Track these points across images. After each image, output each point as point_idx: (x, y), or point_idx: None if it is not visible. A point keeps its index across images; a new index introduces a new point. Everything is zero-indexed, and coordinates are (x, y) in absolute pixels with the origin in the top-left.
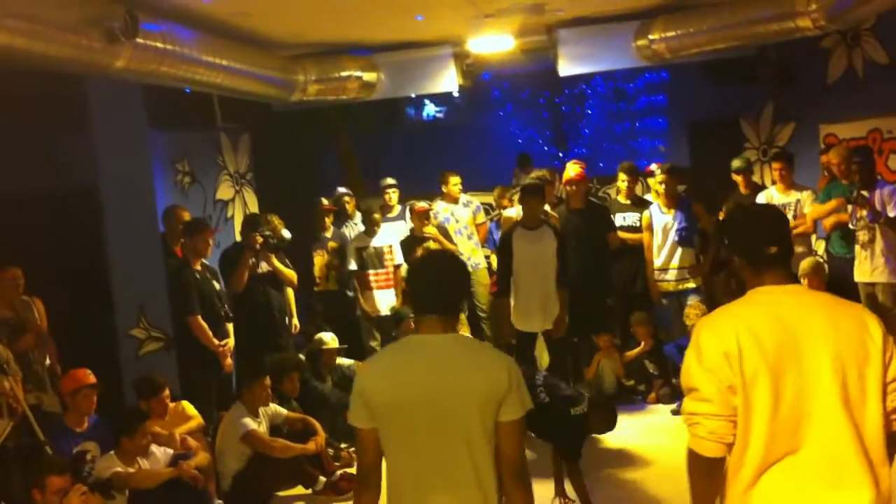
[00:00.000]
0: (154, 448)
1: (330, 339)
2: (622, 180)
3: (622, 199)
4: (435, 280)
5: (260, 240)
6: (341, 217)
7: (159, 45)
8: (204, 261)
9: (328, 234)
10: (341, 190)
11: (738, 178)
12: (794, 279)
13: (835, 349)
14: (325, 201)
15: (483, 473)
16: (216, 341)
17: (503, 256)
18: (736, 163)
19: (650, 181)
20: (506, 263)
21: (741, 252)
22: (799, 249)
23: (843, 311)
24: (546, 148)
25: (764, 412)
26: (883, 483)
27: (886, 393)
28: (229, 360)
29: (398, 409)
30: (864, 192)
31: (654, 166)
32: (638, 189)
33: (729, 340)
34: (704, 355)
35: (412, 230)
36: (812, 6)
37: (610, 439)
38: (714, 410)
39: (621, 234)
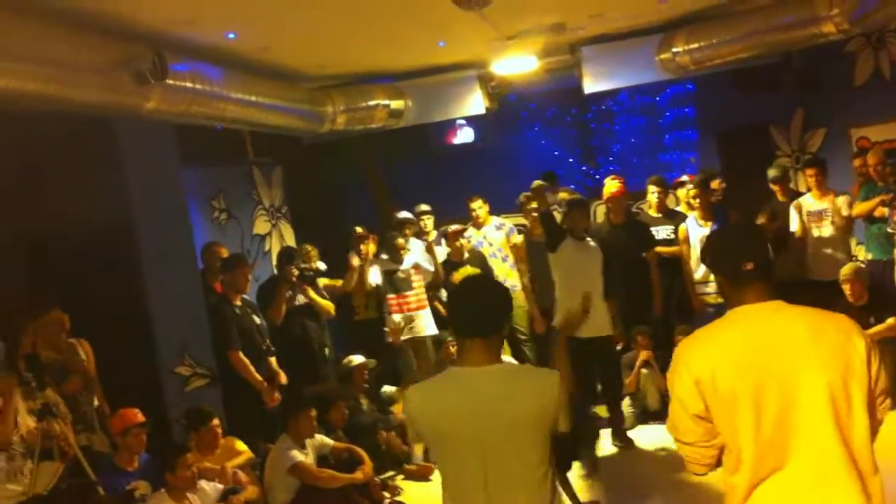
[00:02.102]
0: (203, 483)
1: (357, 358)
2: (652, 192)
3: (654, 212)
4: (477, 303)
5: (296, 272)
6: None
7: (188, 84)
8: (244, 296)
9: (366, 264)
10: (423, 208)
11: (775, 188)
12: (775, 295)
13: (818, 363)
14: (358, 229)
15: (540, 496)
16: (258, 376)
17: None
18: (772, 172)
19: (679, 193)
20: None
21: (720, 270)
22: (839, 255)
23: (826, 325)
24: (576, 166)
25: (748, 431)
26: (875, 494)
27: (874, 405)
28: (276, 395)
29: (444, 442)
30: None
31: (684, 177)
32: (670, 202)
33: (701, 367)
34: (676, 384)
35: (448, 255)
36: (834, 10)
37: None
38: (685, 439)
39: (658, 248)
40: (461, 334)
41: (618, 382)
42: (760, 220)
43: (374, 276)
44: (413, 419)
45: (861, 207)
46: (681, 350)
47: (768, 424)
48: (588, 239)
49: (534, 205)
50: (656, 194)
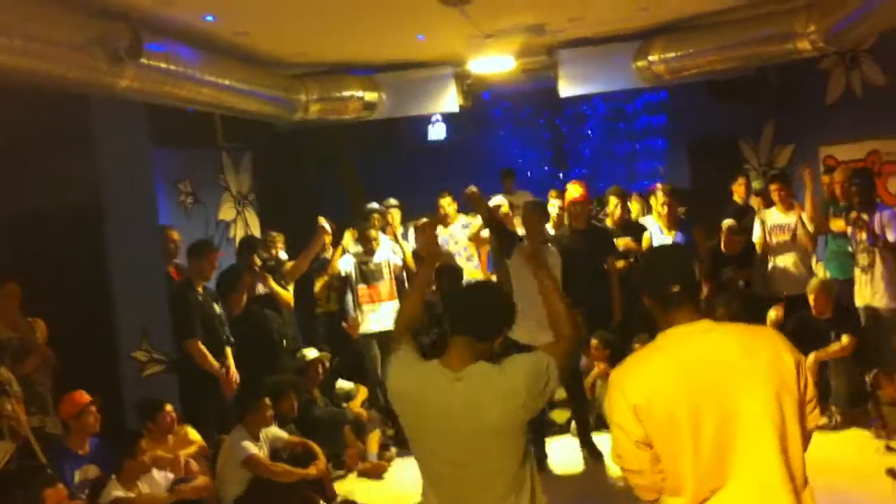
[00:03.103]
0: (154, 472)
1: (311, 352)
2: (614, 205)
3: (612, 225)
4: (479, 305)
5: (259, 262)
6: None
7: (163, 65)
8: (205, 283)
9: (327, 254)
10: (392, 201)
11: (757, 199)
12: (702, 315)
13: (753, 381)
14: (323, 223)
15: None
16: (217, 364)
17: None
18: (757, 184)
19: (652, 201)
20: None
21: (648, 293)
22: (801, 270)
23: (757, 342)
24: (545, 168)
25: (687, 454)
26: (801, 495)
27: (804, 415)
28: (233, 385)
29: (417, 432)
30: (864, 216)
31: (659, 185)
32: (636, 209)
33: (636, 394)
34: (615, 412)
35: (415, 250)
36: (811, 28)
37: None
38: (632, 467)
39: (617, 264)
40: (453, 331)
41: (582, 392)
42: (727, 226)
43: (345, 265)
44: (393, 400)
45: (833, 224)
46: (615, 377)
47: (707, 445)
48: (548, 244)
49: (504, 209)
50: (618, 206)
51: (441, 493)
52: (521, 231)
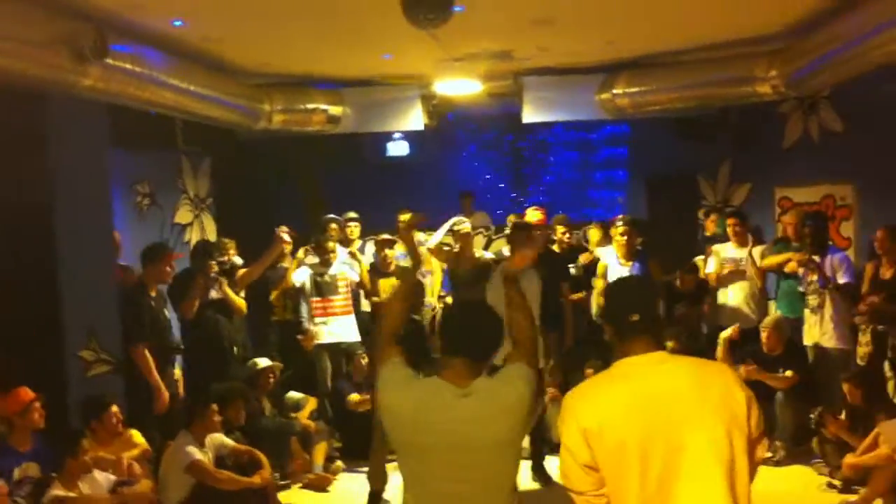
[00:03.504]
0: (96, 473)
1: (262, 361)
2: (562, 232)
3: (558, 249)
4: (473, 326)
5: (216, 268)
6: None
7: (128, 66)
8: (159, 287)
9: (285, 264)
10: (351, 215)
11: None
12: (660, 347)
13: (702, 413)
14: (282, 230)
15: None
16: (157, 377)
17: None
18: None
19: (612, 231)
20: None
21: (608, 321)
22: (751, 304)
23: (709, 376)
24: (506, 192)
25: (634, 482)
26: None
27: (753, 451)
28: (166, 396)
29: (412, 448)
30: (815, 257)
31: (619, 216)
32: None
33: (588, 418)
34: (564, 434)
35: (372, 264)
36: (772, 73)
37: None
38: (576, 488)
39: (573, 297)
40: (448, 352)
41: (542, 418)
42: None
43: (300, 276)
44: (384, 416)
45: (770, 260)
46: (569, 401)
47: (654, 474)
48: (530, 268)
49: (465, 229)
50: (566, 233)
51: None
52: (505, 251)
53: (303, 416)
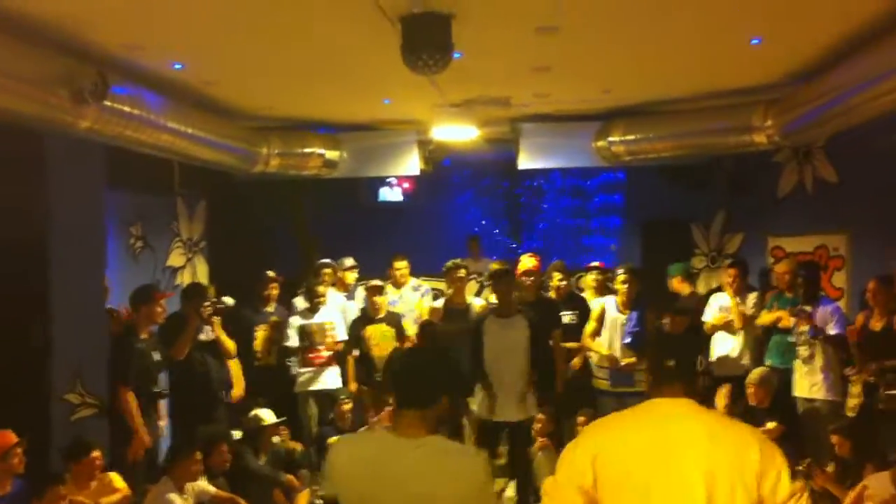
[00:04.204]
0: None
1: (266, 415)
2: (559, 279)
3: (554, 296)
4: (416, 375)
5: (210, 310)
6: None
7: (126, 108)
8: (151, 329)
9: (270, 309)
10: (349, 263)
11: (684, 283)
12: (692, 395)
13: (707, 463)
14: (270, 274)
15: None
16: (140, 422)
17: (474, 345)
18: (676, 268)
19: (586, 278)
20: (477, 352)
21: (648, 365)
22: (745, 354)
23: (727, 433)
24: (501, 238)
25: None
26: None
27: None
28: (147, 442)
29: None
30: (807, 308)
31: (594, 263)
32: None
33: (601, 444)
34: (575, 453)
35: (363, 310)
36: (768, 122)
37: None
38: (557, 497)
39: (565, 345)
40: (398, 405)
41: (530, 463)
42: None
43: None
44: (333, 473)
45: (763, 318)
46: (589, 427)
47: None
48: (518, 314)
49: (461, 273)
50: (563, 280)
51: None
52: (493, 298)
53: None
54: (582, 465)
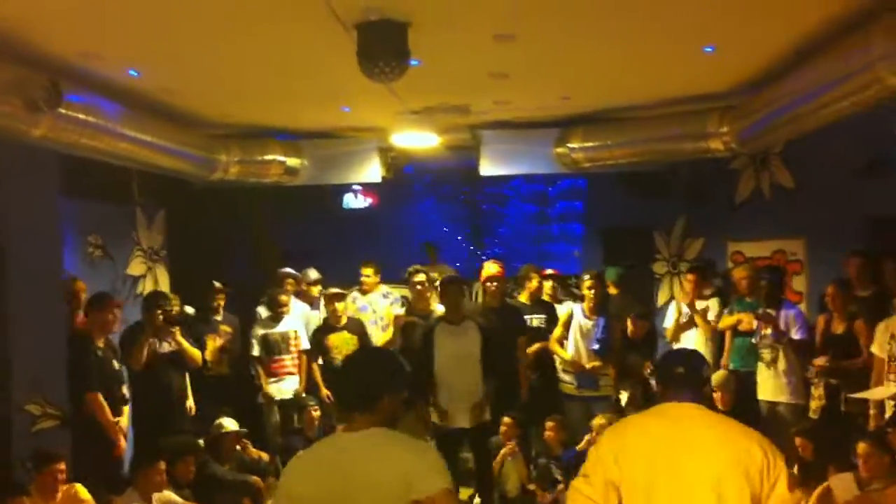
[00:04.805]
0: None
1: (229, 423)
2: (535, 280)
3: (525, 299)
4: (352, 379)
5: (161, 316)
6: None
7: (81, 116)
8: (110, 337)
9: (219, 318)
10: (313, 276)
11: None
12: (698, 400)
13: (715, 463)
14: (217, 284)
15: None
16: (112, 421)
17: (423, 353)
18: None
19: (545, 284)
20: (427, 360)
21: (658, 375)
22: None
23: (731, 432)
24: (463, 244)
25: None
26: None
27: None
28: (123, 442)
29: None
30: (771, 311)
31: (549, 270)
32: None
33: (620, 442)
34: (600, 451)
35: (325, 319)
36: (723, 129)
37: None
38: (592, 494)
39: (529, 350)
40: (343, 409)
41: (490, 470)
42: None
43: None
44: (282, 484)
45: (724, 322)
46: (609, 430)
47: (664, 498)
48: (468, 321)
49: (420, 278)
50: (538, 282)
51: None
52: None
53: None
54: (609, 461)
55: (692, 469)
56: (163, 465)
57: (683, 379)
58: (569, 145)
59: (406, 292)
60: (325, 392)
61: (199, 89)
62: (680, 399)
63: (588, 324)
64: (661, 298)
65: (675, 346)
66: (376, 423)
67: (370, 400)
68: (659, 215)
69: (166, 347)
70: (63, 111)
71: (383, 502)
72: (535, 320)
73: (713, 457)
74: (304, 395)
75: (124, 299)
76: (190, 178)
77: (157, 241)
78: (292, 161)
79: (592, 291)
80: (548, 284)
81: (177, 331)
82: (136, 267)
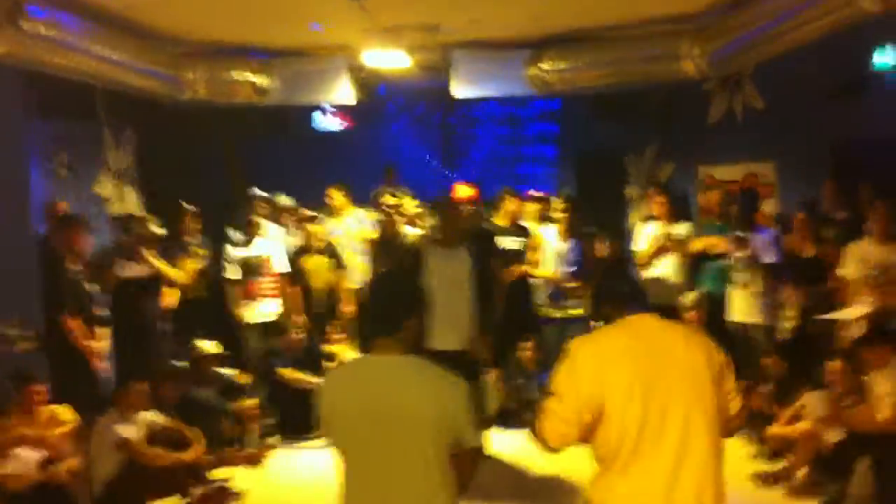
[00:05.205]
0: (21, 451)
1: (208, 345)
2: (511, 202)
3: (502, 222)
4: (379, 302)
5: (126, 238)
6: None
7: (43, 31)
8: (81, 258)
9: (194, 241)
10: (285, 202)
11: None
12: (650, 311)
13: (691, 364)
14: (185, 206)
15: (431, 496)
16: (87, 342)
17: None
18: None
19: (527, 207)
20: None
21: (605, 299)
22: (675, 280)
23: (695, 335)
24: (435, 167)
25: (634, 414)
26: (720, 471)
27: (728, 401)
28: (103, 364)
29: (347, 428)
30: (744, 234)
31: (532, 192)
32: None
33: (599, 355)
34: (576, 366)
35: (302, 245)
36: (695, 51)
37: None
38: (565, 413)
39: (506, 272)
40: (370, 332)
41: (477, 392)
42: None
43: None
44: (321, 404)
45: (697, 244)
46: (580, 341)
47: (654, 410)
48: (459, 245)
49: (387, 200)
50: (515, 204)
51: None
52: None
53: (247, 404)
54: (586, 374)
55: (673, 371)
56: (144, 386)
57: (630, 295)
58: (541, 66)
59: (376, 214)
60: (301, 319)
61: (161, 4)
62: (636, 312)
63: (562, 246)
64: (633, 221)
65: (646, 272)
66: (402, 347)
67: (397, 322)
68: (631, 138)
69: (139, 270)
70: (25, 26)
71: (421, 433)
72: (516, 243)
73: (690, 358)
74: (287, 318)
75: (94, 221)
76: (158, 98)
77: (126, 162)
78: (262, 80)
79: (565, 214)
80: (533, 207)
81: (150, 252)
82: (104, 188)
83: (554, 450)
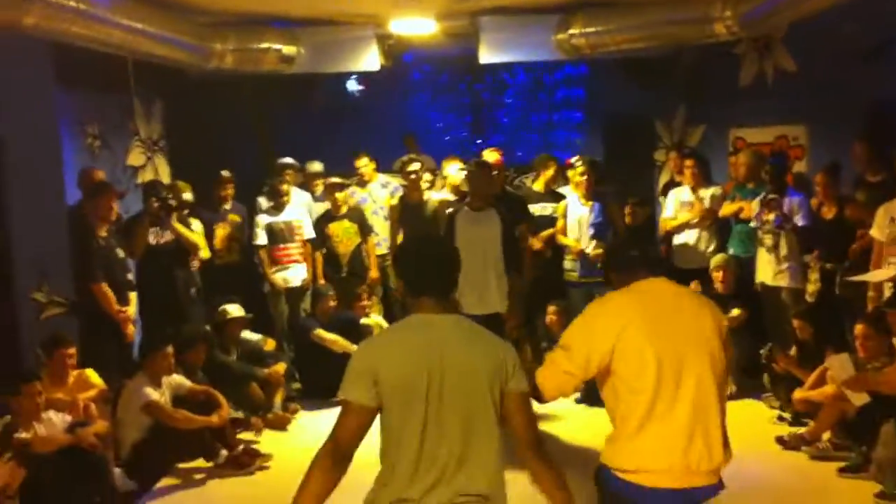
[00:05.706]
0: (52, 414)
1: (234, 309)
2: (549, 168)
3: (539, 187)
4: (430, 263)
5: (156, 203)
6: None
7: (72, 3)
8: (110, 226)
9: (227, 207)
10: (316, 168)
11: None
12: (661, 275)
13: (700, 325)
14: (224, 173)
15: (491, 451)
16: (118, 307)
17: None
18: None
19: (570, 173)
20: None
21: (614, 264)
22: (704, 245)
23: (703, 299)
24: (463, 134)
25: (649, 376)
26: (726, 429)
27: (729, 367)
28: (131, 328)
29: (409, 386)
30: (775, 196)
31: (574, 159)
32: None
33: (612, 315)
34: (589, 323)
35: (328, 210)
36: (726, 13)
37: None
38: (570, 368)
39: (533, 240)
40: (417, 292)
41: None
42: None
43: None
44: (372, 367)
45: (725, 209)
46: (596, 301)
47: (668, 368)
48: (490, 209)
49: (413, 167)
50: (553, 172)
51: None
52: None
53: (275, 369)
54: (600, 332)
55: (686, 334)
56: (171, 350)
57: (640, 260)
58: (570, 31)
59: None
60: (322, 282)
61: None
62: (646, 277)
63: (584, 210)
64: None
65: (675, 238)
66: (449, 307)
67: (453, 284)
68: (661, 101)
69: (168, 237)
70: None
71: (480, 385)
72: (545, 209)
73: (701, 322)
74: (321, 283)
75: (125, 189)
76: (186, 68)
77: (155, 132)
78: (288, 49)
79: (584, 177)
80: (573, 173)
81: (174, 218)
82: (135, 157)
83: (544, 400)
